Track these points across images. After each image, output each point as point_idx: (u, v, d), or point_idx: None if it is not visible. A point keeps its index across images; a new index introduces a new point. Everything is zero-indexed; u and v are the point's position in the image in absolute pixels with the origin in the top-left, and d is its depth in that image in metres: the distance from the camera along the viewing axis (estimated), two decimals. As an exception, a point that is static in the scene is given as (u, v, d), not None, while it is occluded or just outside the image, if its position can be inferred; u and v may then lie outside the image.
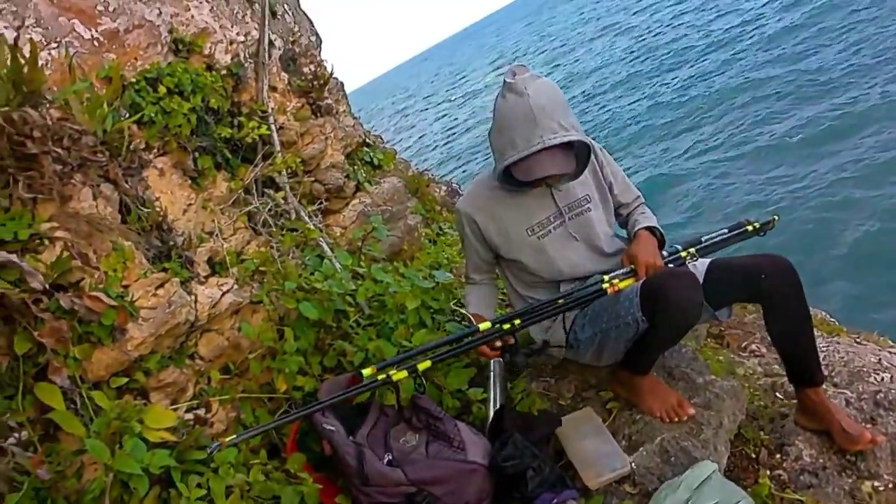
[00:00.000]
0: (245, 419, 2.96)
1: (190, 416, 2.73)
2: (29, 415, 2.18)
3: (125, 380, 2.51)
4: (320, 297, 3.16)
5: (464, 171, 21.08)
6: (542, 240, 2.50)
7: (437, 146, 27.59)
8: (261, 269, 3.38)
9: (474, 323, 2.42)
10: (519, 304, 2.80)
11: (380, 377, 1.97)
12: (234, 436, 1.84)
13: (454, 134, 28.09)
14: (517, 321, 2.14)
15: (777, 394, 3.15)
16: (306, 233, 3.61)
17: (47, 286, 2.15)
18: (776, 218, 2.61)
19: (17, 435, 2.08)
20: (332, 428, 2.67)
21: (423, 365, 1.97)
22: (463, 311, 2.54)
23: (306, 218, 3.93)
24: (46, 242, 2.24)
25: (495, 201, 2.54)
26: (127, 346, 2.48)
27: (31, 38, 2.30)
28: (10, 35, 2.40)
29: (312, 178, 4.24)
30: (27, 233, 2.16)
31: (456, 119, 32.12)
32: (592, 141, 2.49)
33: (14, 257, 2.07)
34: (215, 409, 2.86)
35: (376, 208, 4.46)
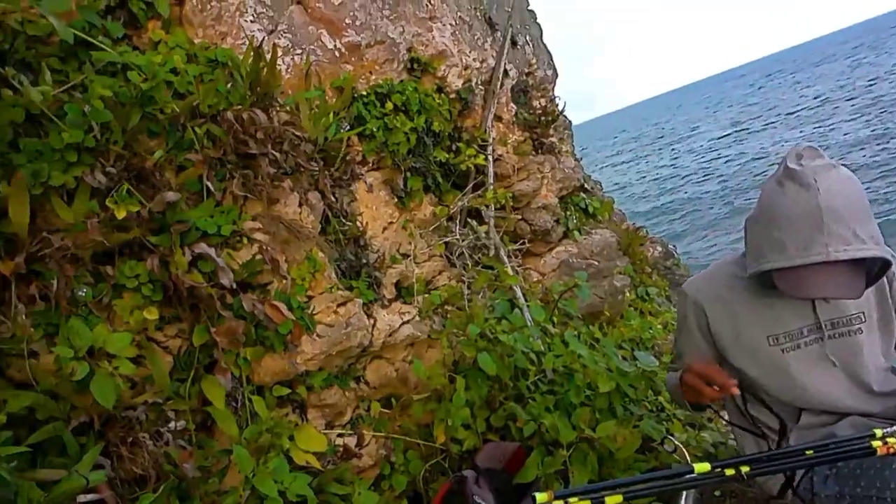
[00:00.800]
0: (395, 461, 2.78)
1: (341, 443, 2.62)
2: (192, 405, 2.20)
3: (287, 391, 2.45)
4: (502, 350, 2.88)
5: (677, 226, 19.31)
6: (787, 354, 1.93)
7: (647, 196, 25.86)
8: (447, 304, 3.21)
9: (686, 457, 1.92)
10: (737, 420, 2.24)
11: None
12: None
13: (668, 189, 26.08)
14: (745, 468, 1.62)
15: None
16: (502, 275, 3.36)
17: (234, 285, 2.15)
18: None
19: (173, 424, 2.08)
20: (482, 503, 2.36)
21: (613, 500, 1.56)
22: (676, 441, 2.03)
23: (505, 258, 3.69)
24: (245, 241, 2.25)
25: (735, 294, 2.01)
26: (297, 358, 2.42)
27: (274, 44, 2.35)
28: (262, 38, 2.49)
29: (519, 217, 4.00)
30: (230, 229, 2.18)
31: (676, 170, 29.91)
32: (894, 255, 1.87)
33: (212, 251, 2.09)
34: (367, 441, 2.71)
35: (582, 261, 4.08)
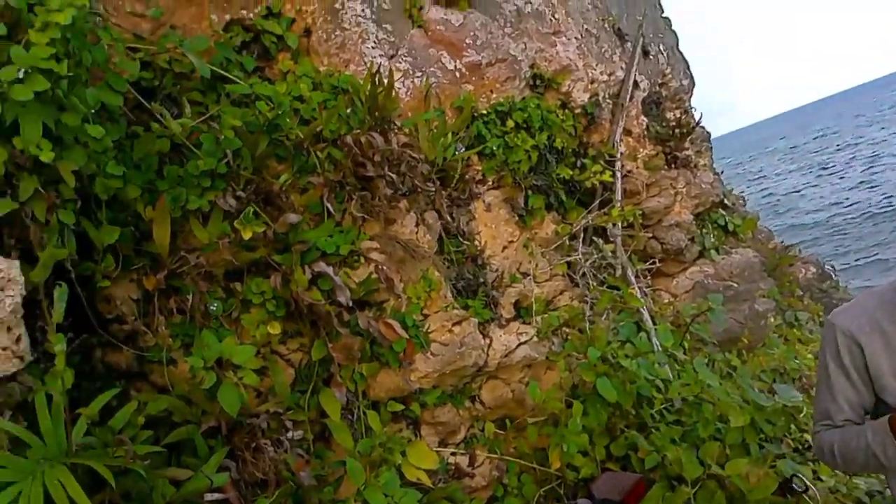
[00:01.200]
0: (508, 483, 2.73)
1: (453, 461, 2.62)
2: (311, 415, 2.31)
3: (401, 407, 2.50)
4: (624, 376, 2.74)
5: (839, 244, 16.86)
6: None
7: (803, 210, 23.00)
8: (567, 325, 3.11)
9: (819, 501, 1.69)
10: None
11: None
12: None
13: (831, 203, 22.99)
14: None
15: None
16: (627, 297, 3.21)
17: (351, 303, 2.23)
18: None
19: (292, 433, 2.19)
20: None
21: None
22: (807, 480, 1.78)
23: (632, 278, 3.53)
24: (362, 260, 2.33)
25: None
26: (411, 375, 2.46)
27: (391, 69, 2.42)
28: (383, 63, 2.58)
29: (650, 235, 3.81)
30: (348, 248, 2.27)
31: (841, 181, 26.40)
32: None
33: (330, 270, 2.18)
34: (480, 462, 2.69)
35: (719, 282, 3.80)
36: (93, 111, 1.67)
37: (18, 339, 1.65)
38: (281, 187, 2.17)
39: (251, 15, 2.44)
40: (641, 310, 3.34)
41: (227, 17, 2.40)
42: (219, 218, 2.07)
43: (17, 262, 1.61)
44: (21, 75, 1.39)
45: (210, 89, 2.18)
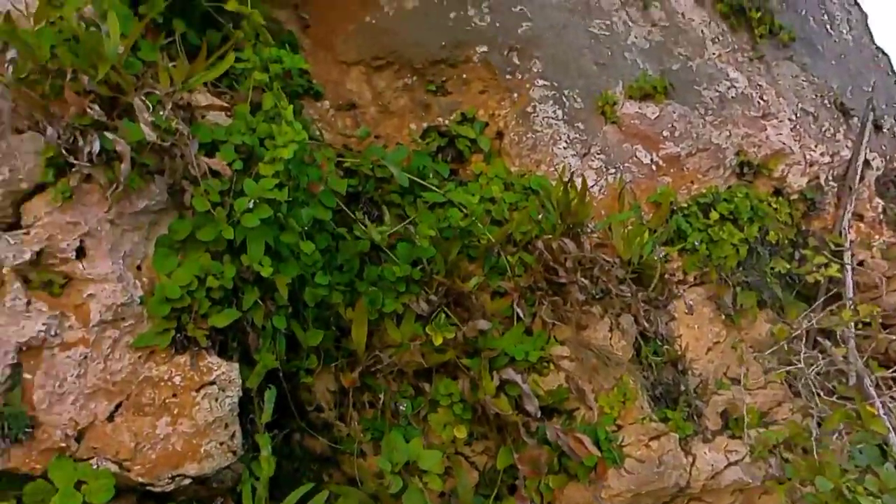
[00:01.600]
0: None
1: None
2: (494, 527, 2.22)
3: (589, 527, 2.31)
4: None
5: None
6: None
7: None
8: (787, 444, 2.70)
9: None
10: None
11: None
12: None
13: None
14: None
15: None
16: (864, 414, 2.70)
17: (539, 412, 2.14)
18: None
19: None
20: None
21: None
22: None
23: (871, 389, 2.98)
24: (552, 367, 2.25)
25: None
26: (602, 493, 2.27)
27: (583, 176, 2.39)
28: (575, 163, 2.55)
29: (893, 337, 3.22)
30: (537, 355, 2.22)
31: None
32: None
33: (518, 378, 2.13)
34: None
35: None
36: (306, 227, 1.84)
37: (233, 436, 1.81)
38: (471, 290, 2.19)
39: (447, 122, 2.61)
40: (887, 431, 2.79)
41: (425, 124, 2.60)
42: (411, 319, 2.15)
43: (236, 365, 1.78)
44: (251, 206, 1.56)
45: (408, 192, 2.31)
